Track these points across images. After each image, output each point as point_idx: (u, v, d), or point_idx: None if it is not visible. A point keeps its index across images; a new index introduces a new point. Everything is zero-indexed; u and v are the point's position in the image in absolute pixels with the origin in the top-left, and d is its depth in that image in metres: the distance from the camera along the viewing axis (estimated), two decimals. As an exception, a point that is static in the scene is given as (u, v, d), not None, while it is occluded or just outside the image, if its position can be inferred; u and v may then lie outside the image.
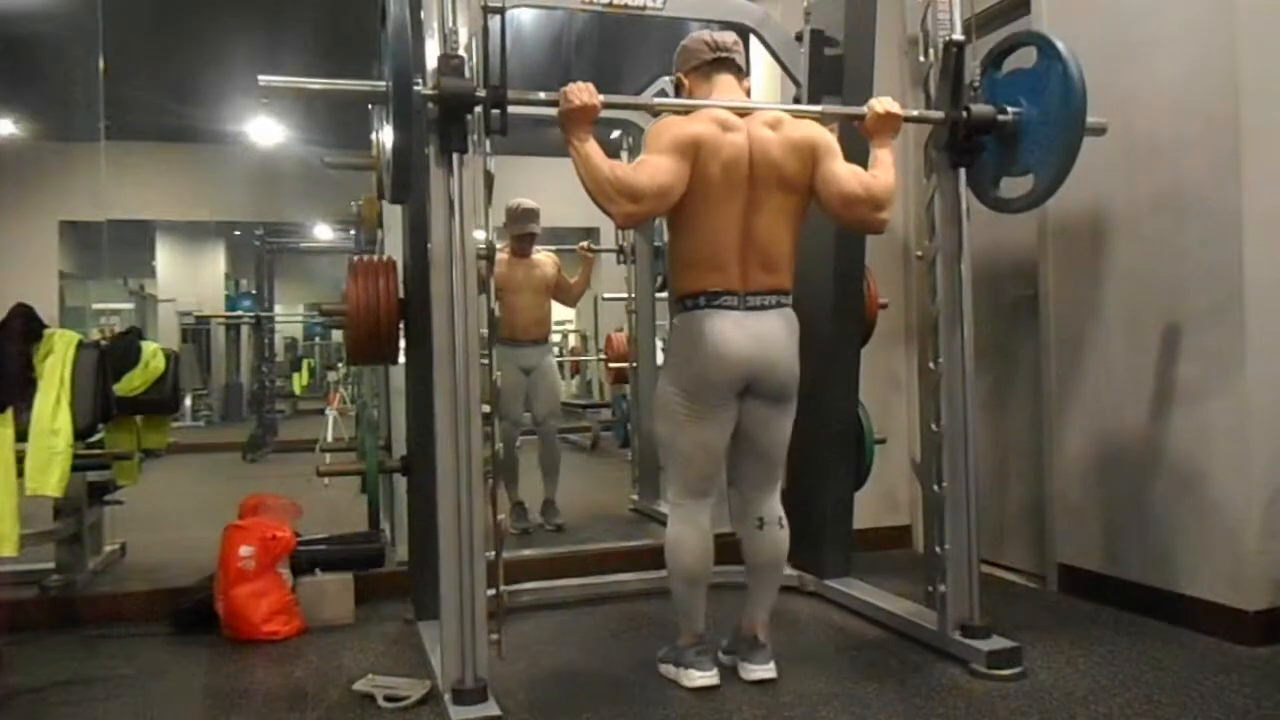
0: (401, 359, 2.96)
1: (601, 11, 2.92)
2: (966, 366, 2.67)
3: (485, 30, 2.24)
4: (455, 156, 2.24)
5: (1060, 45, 2.56)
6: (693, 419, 2.43)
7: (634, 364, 4.96)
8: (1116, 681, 2.44)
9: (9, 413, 2.74)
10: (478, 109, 2.26)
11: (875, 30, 3.18)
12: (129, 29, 5.46)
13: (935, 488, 2.70)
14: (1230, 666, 2.52)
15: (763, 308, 2.39)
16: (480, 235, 2.28)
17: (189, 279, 12.23)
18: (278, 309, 11.32)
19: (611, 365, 7.60)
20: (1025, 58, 2.69)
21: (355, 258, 4.40)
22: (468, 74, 2.24)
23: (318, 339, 16.75)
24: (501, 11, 2.21)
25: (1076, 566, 3.25)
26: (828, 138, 2.46)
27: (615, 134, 5.28)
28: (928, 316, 2.75)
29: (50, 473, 2.82)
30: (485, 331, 2.30)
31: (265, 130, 9.29)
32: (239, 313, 11.27)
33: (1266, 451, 2.69)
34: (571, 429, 7.98)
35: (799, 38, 3.18)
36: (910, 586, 3.09)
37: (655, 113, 2.65)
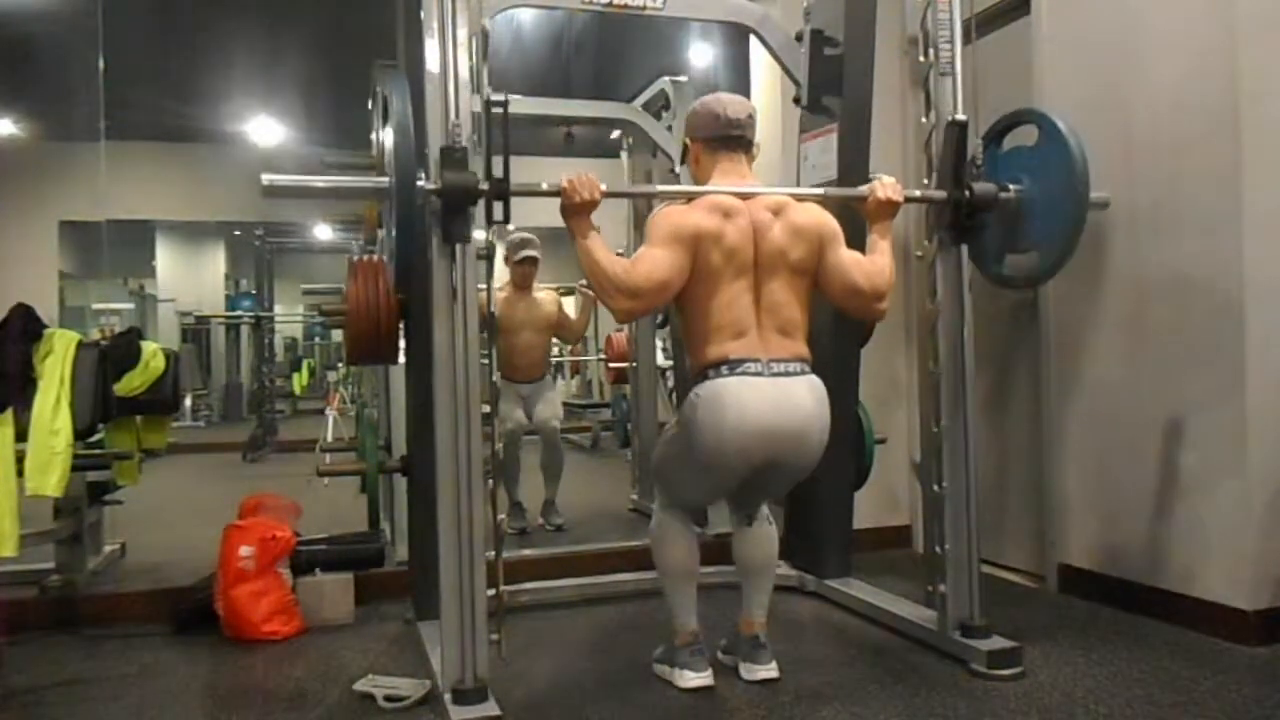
0: (401, 359, 2.96)
1: (601, 11, 2.92)
2: (966, 366, 2.67)
3: (487, 121, 2.23)
4: (458, 246, 2.23)
5: (1061, 125, 2.58)
6: (697, 476, 2.43)
7: (634, 364, 4.96)
8: (1116, 681, 2.44)
9: (9, 413, 2.74)
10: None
11: (875, 30, 3.18)
12: (129, 29, 5.45)
13: (935, 488, 2.70)
14: (1230, 666, 2.52)
15: (787, 374, 2.33)
16: (480, 235, 2.28)
17: (189, 279, 12.23)
18: (278, 309, 11.33)
19: (611, 365, 7.61)
20: (1026, 134, 2.69)
21: (355, 258, 4.39)
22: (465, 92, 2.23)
23: (318, 339, 16.76)
24: (504, 105, 2.20)
25: (1076, 566, 3.25)
26: (832, 225, 2.43)
27: (615, 134, 5.28)
28: (928, 316, 2.75)
29: (50, 473, 2.82)
30: (485, 333, 2.30)
31: (265, 130, 9.29)
32: (239, 313, 11.27)
33: (1266, 452, 2.69)
34: (571, 429, 7.97)
35: (799, 38, 3.19)
36: (910, 586, 3.09)
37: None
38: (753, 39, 3.43)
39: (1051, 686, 2.42)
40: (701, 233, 2.30)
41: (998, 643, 2.55)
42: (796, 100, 3.25)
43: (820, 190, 2.61)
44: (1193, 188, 2.83)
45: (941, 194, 2.63)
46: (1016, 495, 3.60)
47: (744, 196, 2.38)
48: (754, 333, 2.33)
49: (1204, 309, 2.80)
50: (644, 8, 2.93)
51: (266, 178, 2.20)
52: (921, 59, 2.72)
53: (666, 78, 4.47)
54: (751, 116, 2.48)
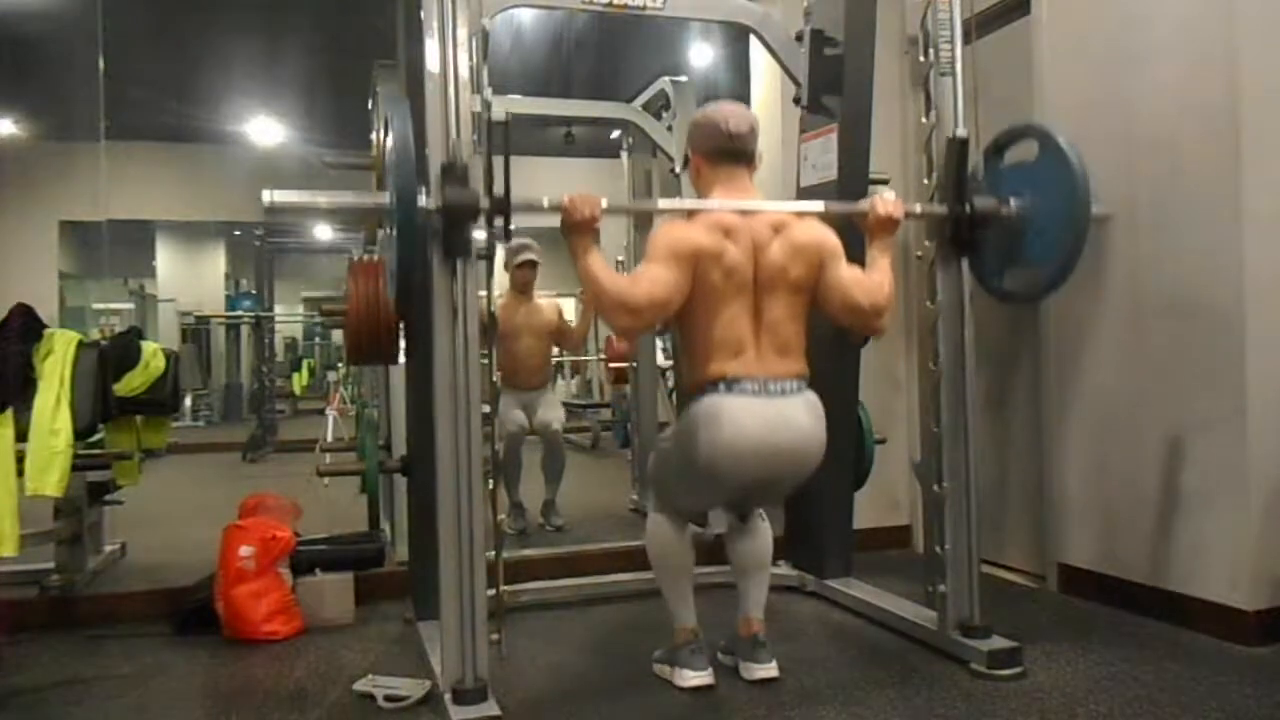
0: (401, 359, 2.96)
1: (601, 11, 2.92)
2: (966, 366, 2.67)
3: (488, 137, 2.23)
4: (459, 261, 2.23)
5: (1061, 141, 2.56)
6: (692, 488, 2.44)
7: (634, 364, 4.96)
8: (1116, 681, 2.44)
9: (9, 413, 2.74)
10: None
11: (875, 30, 3.18)
12: (129, 29, 5.46)
13: (935, 488, 2.70)
14: (1230, 666, 2.52)
15: (784, 393, 2.34)
16: (480, 235, 2.28)
17: (189, 279, 12.25)
18: (278, 309, 11.33)
19: (611, 365, 7.61)
20: (1027, 149, 2.69)
21: (355, 258, 4.39)
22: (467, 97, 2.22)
23: (318, 339, 16.76)
24: (505, 122, 2.20)
25: (1076, 566, 3.25)
26: (832, 242, 2.43)
27: (615, 134, 5.29)
28: (928, 316, 2.75)
29: (50, 473, 2.82)
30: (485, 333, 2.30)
31: (265, 130, 9.30)
32: (239, 313, 11.28)
33: (1265, 452, 2.69)
34: (571, 429, 7.98)
35: (799, 38, 3.19)
36: (910, 586, 3.09)
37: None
38: (753, 39, 3.42)
39: (1051, 686, 2.42)
40: (702, 251, 2.30)
41: (998, 643, 2.55)
42: (796, 100, 3.25)
43: (820, 206, 2.60)
44: (1193, 187, 2.83)
45: (942, 209, 2.63)
46: (1016, 495, 3.60)
47: (745, 213, 2.38)
48: (752, 351, 2.34)
49: (1204, 309, 2.79)
50: (644, 8, 2.93)
51: (267, 195, 2.17)
52: (921, 59, 2.72)
53: (666, 78, 4.47)
54: (754, 129, 2.47)
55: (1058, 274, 2.63)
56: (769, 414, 2.30)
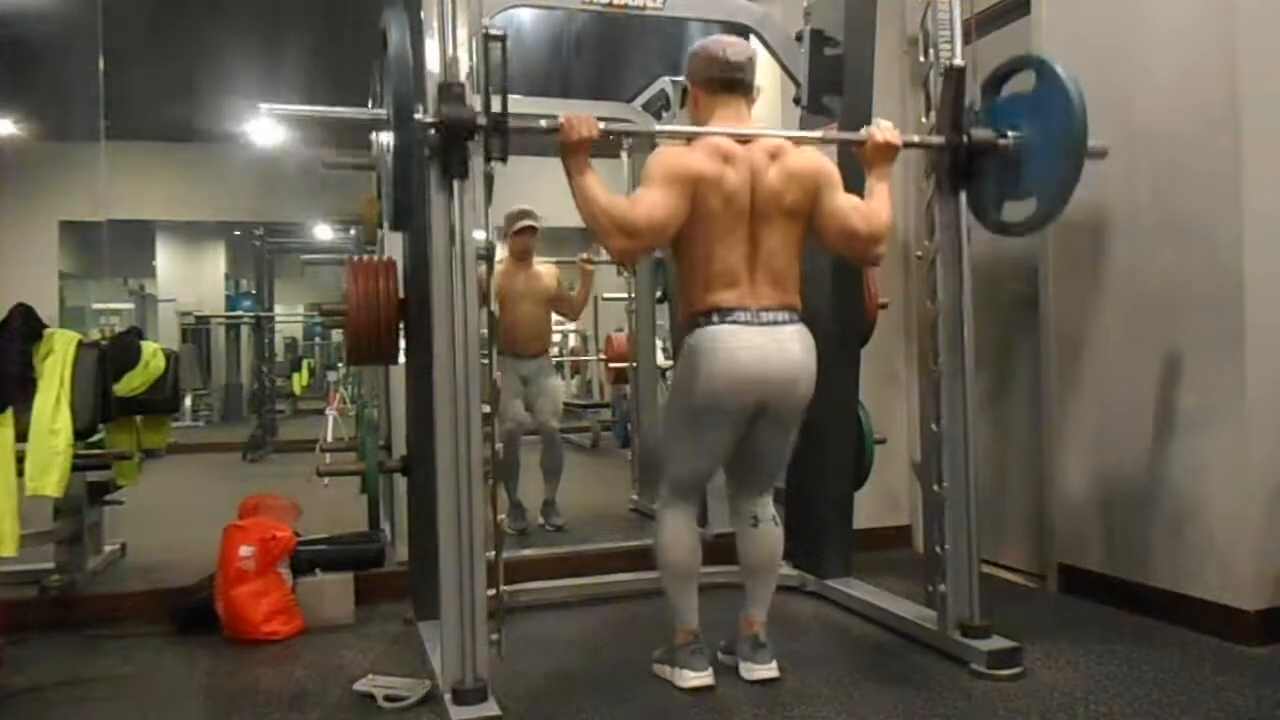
0: (401, 359, 2.96)
1: (601, 11, 2.92)
2: (966, 366, 2.67)
3: (486, 57, 2.23)
4: (456, 182, 2.23)
5: (1059, 70, 2.56)
6: (696, 429, 2.44)
7: (634, 364, 4.96)
8: (1116, 681, 2.44)
9: (9, 413, 2.75)
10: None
11: (875, 30, 3.18)
12: (129, 29, 5.45)
13: (935, 488, 2.70)
14: (1230, 666, 2.52)
15: (776, 323, 2.38)
16: (480, 235, 2.28)
17: (189, 279, 12.23)
18: (278, 309, 11.31)
19: (611, 365, 7.61)
20: (1025, 81, 2.68)
21: (355, 258, 4.39)
22: (468, 98, 2.23)
23: (318, 339, 16.75)
24: (503, 40, 2.21)
25: (1076, 566, 3.25)
26: (829, 169, 2.44)
27: (616, 134, 5.27)
28: (928, 316, 2.75)
29: (50, 473, 2.82)
30: (485, 331, 2.30)
31: (265, 130, 9.28)
32: (239, 313, 11.27)
33: (1266, 450, 2.69)
34: (571, 429, 7.98)
35: (799, 38, 3.19)
36: (910, 586, 3.09)
37: (656, 140, 2.64)
38: (753, 39, 3.42)
39: (1051, 686, 2.42)
40: (701, 176, 2.31)
41: (998, 643, 2.55)
42: (796, 100, 3.25)
43: (819, 134, 2.61)
44: (1193, 185, 2.83)
45: (940, 139, 2.63)
46: (1016, 495, 3.60)
47: (743, 140, 2.39)
48: (746, 282, 2.37)
49: (1204, 307, 2.80)
50: (644, 8, 2.93)
51: (265, 106, 2.21)
52: (921, 59, 2.72)
53: (666, 78, 4.47)
54: (751, 60, 2.48)
55: (1054, 204, 2.60)
56: (761, 341, 2.34)
